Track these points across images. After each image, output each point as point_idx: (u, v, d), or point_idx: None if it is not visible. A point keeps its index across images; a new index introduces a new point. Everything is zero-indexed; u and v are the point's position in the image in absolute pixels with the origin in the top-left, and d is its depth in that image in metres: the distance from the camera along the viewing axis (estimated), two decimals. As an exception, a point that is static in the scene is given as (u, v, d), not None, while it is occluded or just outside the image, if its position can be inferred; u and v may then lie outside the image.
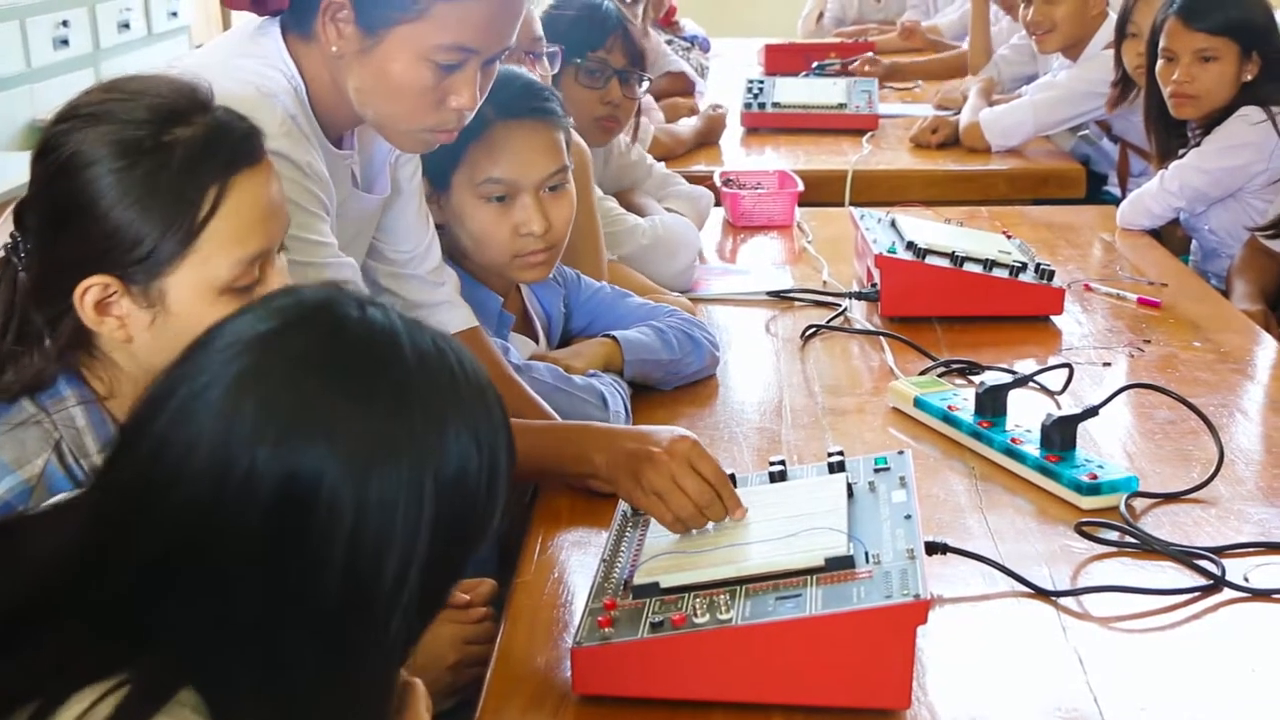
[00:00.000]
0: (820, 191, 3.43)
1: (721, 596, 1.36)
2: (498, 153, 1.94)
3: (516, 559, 1.66)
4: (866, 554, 1.38)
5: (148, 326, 1.33)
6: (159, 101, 1.32)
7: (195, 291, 1.32)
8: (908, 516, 1.46)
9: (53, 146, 1.32)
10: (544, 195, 1.97)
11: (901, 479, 1.56)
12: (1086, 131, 4.09)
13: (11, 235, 1.36)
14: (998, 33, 4.79)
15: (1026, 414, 1.94)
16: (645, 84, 2.73)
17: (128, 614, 0.98)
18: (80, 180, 1.29)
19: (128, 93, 1.33)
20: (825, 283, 2.67)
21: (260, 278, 1.35)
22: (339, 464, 0.97)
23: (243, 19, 1.72)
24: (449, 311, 1.89)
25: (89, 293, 1.31)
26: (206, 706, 0.97)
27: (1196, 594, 1.56)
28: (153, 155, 1.29)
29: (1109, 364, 2.27)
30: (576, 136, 2.34)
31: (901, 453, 1.63)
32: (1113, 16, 3.62)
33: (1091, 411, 1.86)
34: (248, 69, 1.61)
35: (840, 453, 1.62)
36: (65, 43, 4.59)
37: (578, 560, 1.65)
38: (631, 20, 2.74)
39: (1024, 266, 2.46)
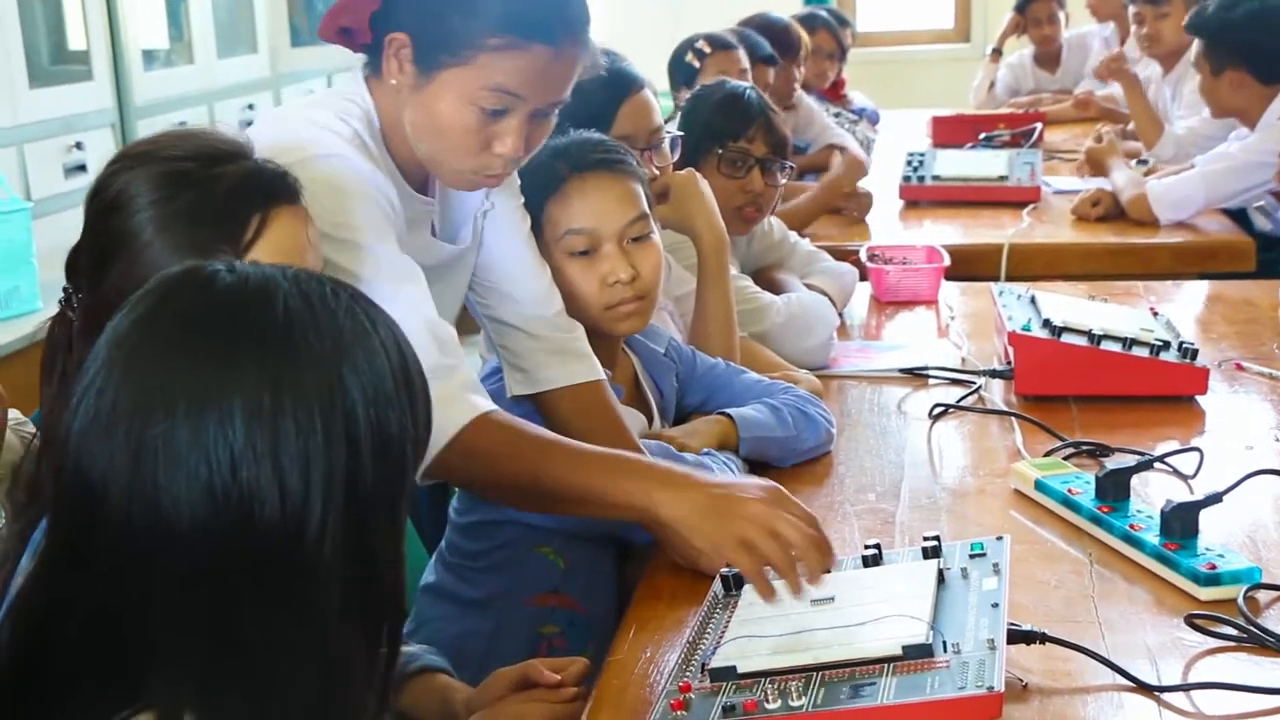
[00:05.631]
0: (977, 265, 3.40)
1: (796, 683, 1.35)
2: (573, 205, 1.99)
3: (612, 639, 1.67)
4: (945, 643, 1.36)
5: None
6: (202, 145, 1.42)
7: None
8: (995, 605, 1.43)
9: (101, 188, 1.41)
10: (628, 245, 2.00)
11: (995, 565, 1.52)
12: (1262, 203, 3.97)
13: (65, 289, 1.44)
14: (1158, 105, 4.71)
15: (1156, 498, 1.88)
16: (787, 171, 2.74)
17: (111, 639, 1.00)
18: (125, 215, 1.37)
19: (173, 137, 1.43)
20: (964, 360, 2.63)
21: None
22: (245, 420, 0.98)
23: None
24: (578, 362, 1.93)
25: None
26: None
27: (1315, 694, 1.48)
28: (198, 186, 1.37)
29: (1251, 447, 2.18)
30: (719, 221, 2.36)
31: (1000, 538, 1.59)
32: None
33: (1215, 498, 1.79)
34: (319, 118, 1.73)
35: (936, 537, 1.59)
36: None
37: (673, 641, 1.64)
38: (775, 109, 2.76)
39: (1166, 345, 2.38)
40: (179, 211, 1.37)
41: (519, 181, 1.97)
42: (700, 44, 3.66)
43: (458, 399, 1.68)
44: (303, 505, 1.00)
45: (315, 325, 1.03)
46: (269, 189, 1.42)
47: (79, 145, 3.85)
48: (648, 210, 2.03)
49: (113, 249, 1.38)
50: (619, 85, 2.28)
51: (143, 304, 1.05)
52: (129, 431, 0.99)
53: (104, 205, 1.40)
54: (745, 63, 3.70)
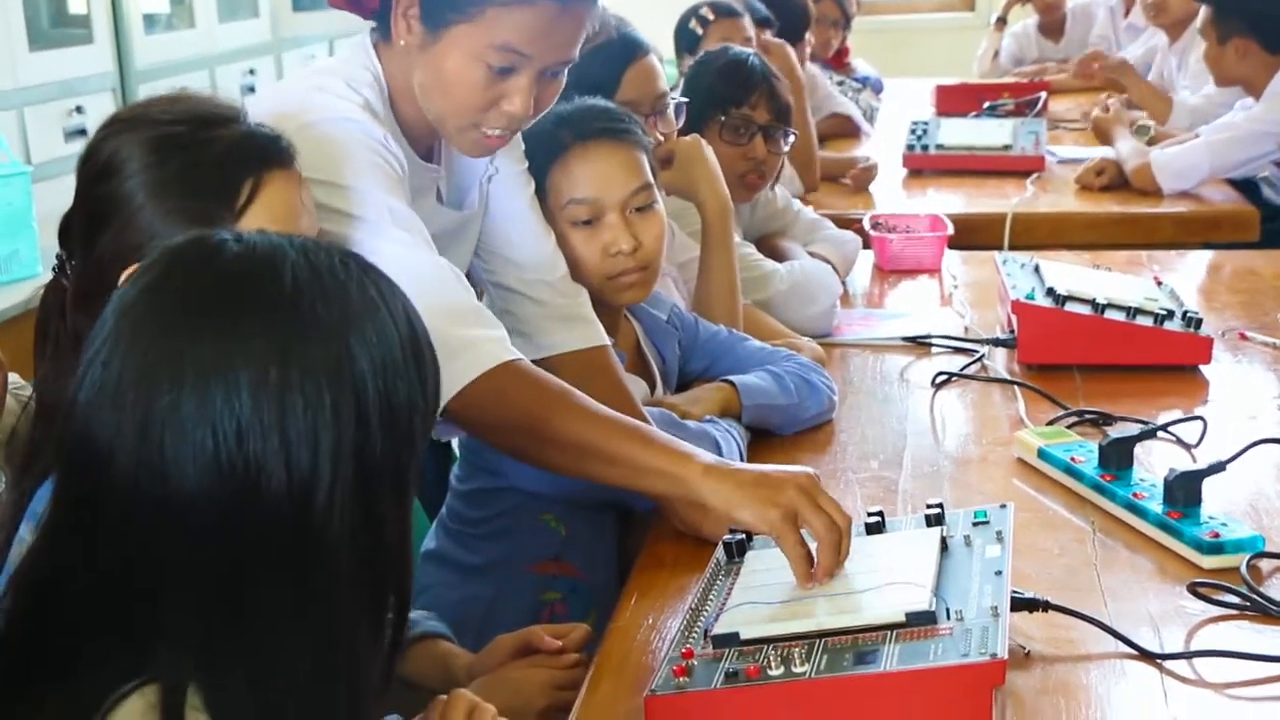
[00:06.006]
0: (980, 234, 3.39)
1: (799, 650, 1.34)
2: (576, 174, 1.97)
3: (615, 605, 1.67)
4: (948, 610, 1.35)
5: None
6: (194, 109, 1.41)
7: None
8: (998, 572, 1.42)
9: (93, 153, 1.40)
10: (631, 215, 1.98)
11: (999, 533, 1.52)
12: (1267, 174, 3.95)
13: (58, 256, 1.43)
14: (1163, 74, 4.69)
15: (1159, 467, 1.88)
16: (790, 139, 2.73)
17: (117, 608, 1.00)
18: (117, 180, 1.36)
19: (165, 101, 1.43)
20: (967, 329, 2.62)
21: None
22: (252, 392, 0.98)
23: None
24: (582, 327, 1.92)
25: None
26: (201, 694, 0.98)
27: (1316, 662, 1.48)
28: (190, 150, 1.36)
29: (1255, 417, 2.18)
30: (723, 188, 2.35)
31: (1003, 506, 1.59)
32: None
33: (1218, 467, 1.79)
34: (329, 85, 1.72)
35: (939, 505, 1.59)
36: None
37: (675, 608, 1.64)
38: (778, 76, 2.74)
39: (1170, 314, 2.38)
40: (171, 176, 1.36)
41: (523, 146, 1.96)
42: (704, 10, 3.64)
43: (491, 340, 1.68)
44: (310, 476, 0.99)
45: (323, 296, 1.02)
46: (262, 153, 1.41)
47: (79, 109, 3.83)
48: (651, 180, 2.01)
49: (105, 214, 1.37)
50: (624, 51, 2.27)
51: (149, 274, 1.04)
52: (135, 402, 0.99)
53: (95, 170, 1.39)
54: (750, 30, 3.68)
